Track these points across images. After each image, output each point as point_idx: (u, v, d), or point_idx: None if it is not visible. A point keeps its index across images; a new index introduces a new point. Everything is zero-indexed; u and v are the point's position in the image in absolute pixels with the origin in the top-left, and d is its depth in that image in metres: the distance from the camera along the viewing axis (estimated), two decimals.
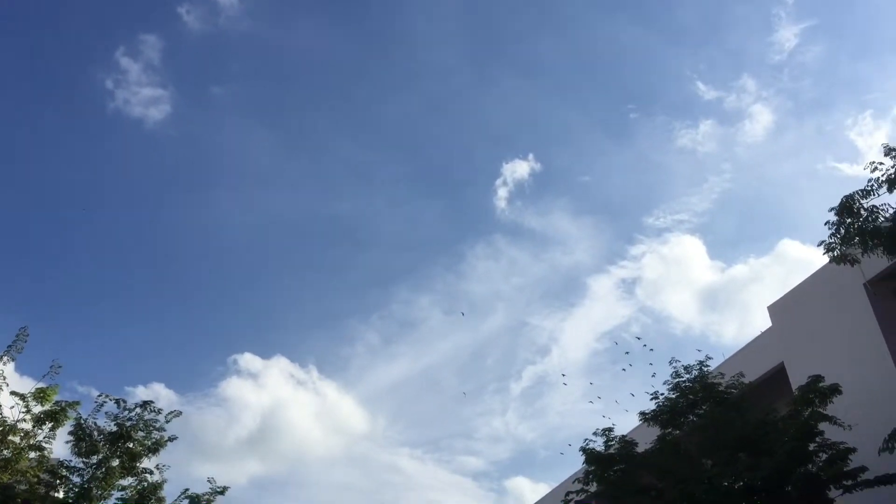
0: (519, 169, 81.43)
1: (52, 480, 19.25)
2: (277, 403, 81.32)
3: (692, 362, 20.94)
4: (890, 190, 14.63)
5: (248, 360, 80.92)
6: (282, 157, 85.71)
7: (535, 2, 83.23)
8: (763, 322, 27.02)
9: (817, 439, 18.10)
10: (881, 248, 15.27)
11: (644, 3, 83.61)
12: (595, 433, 21.18)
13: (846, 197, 14.90)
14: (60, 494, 19.30)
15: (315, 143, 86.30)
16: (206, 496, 20.19)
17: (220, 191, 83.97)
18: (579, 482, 21.68)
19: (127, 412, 19.69)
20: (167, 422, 20.09)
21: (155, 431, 19.85)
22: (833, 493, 18.19)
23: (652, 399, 20.92)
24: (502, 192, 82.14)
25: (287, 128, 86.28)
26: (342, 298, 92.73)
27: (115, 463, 19.13)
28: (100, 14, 78.78)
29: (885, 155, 14.64)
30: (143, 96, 79.39)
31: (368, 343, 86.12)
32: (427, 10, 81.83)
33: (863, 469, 17.54)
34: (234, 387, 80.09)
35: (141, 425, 19.69)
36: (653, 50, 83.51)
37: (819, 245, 16.88)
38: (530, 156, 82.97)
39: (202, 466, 79.94)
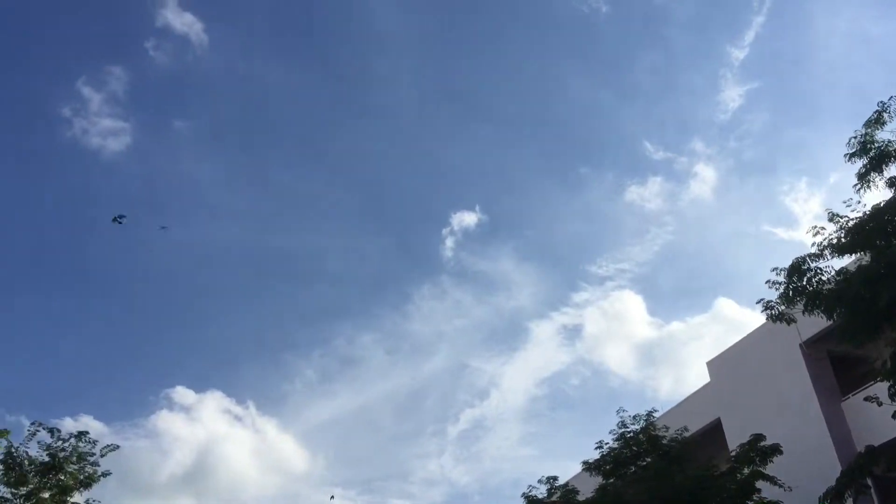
0: (466, 219, 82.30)
1: None
2: (213, 439, 79.11)
3: (640, 412, 21.30)
4: (832, 255, 15.25)
5: (181, 393, 78.70)
6: (232, 189, 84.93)
7: (493, 51, 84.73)
8: (699, 379, 27.67)
9: (754, 497, 18.49)
10: (820, 310, 15.82)
11: (598, 62, 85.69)
12: (539, 480, 21.32)
13: (798, 259, 15.45)
14: None
15: (265, 176, 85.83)
16: None
17: (171, 219, 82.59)
18: None
19: (61, 442, 18.94)
20: (102, 455, 19.32)
21: (88, 465, 19.08)
22: None
23: (596, 448, 21.14)
24: (449, 242, 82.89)
25: (239, 160, 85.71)
26: (283, 333, 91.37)
27: (46, 495, 18.33)
28: (66, 44, 77.75)
29: (829, 221, 15.29)
30: (102, 127, 78.39)
31: (307, 379, 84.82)
32: (385, 50, 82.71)
33: None
34: (165, 420, 77.68)
35: (74, 457, 18.93)
36: (605, 108, 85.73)
37: (758, 303, 17.39)
38: (477, 207, 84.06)
39: (133, 503, 76.98)
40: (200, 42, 77.49)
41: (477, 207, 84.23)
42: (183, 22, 77.46)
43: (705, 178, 79.59)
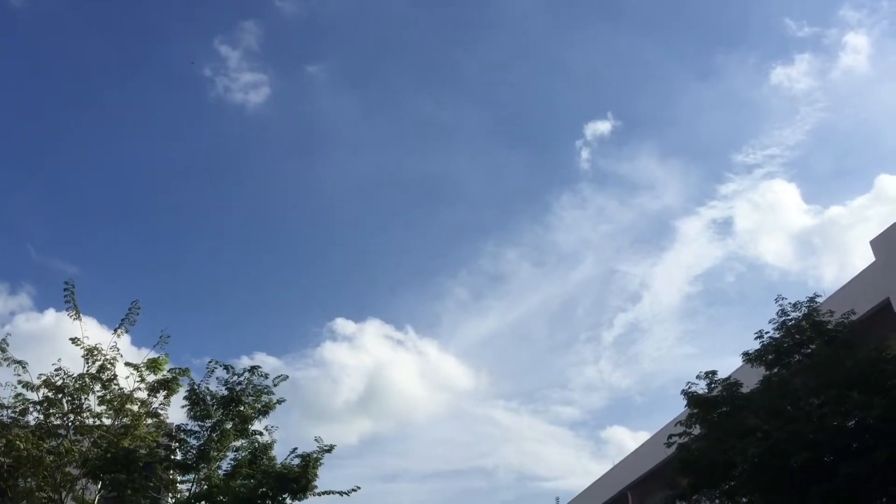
0: (600, 127, 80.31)
1: (170, 444, 20.20)
2: (380, 364, 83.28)
3: (802, 299, 20.44)
4: None
5: (341, 324, 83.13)
6: (367, 122, 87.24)
7: None
8: (866, 263, 26.11)
9: None
10: None
11: None
12: (698, 376, 21.00)
13: None
14: (179, 457, 20.21)
15: (397, 105, 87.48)
16: (315, 454, 20.81)
17: (314, 161, 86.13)
18: (681, 425, 21.55)
19: (236, 377, 20.38)
20: (275, 385, 20.70)
21: (263, 395, 20.47)
22: None
23: (756, 338, 20.50)
24: (585, 153, 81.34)
25: (371, 93, 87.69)
26: (430, 256, 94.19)
27: (229, 426, 19.89)
28: (197, 6, 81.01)
29: None
30: (243, 82, 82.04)
31: (459, 299, 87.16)
32: None
33: None
34: (330, 351, 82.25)
35: (250, 389, 20.34)
36: None
37: None
38: (609, 113, 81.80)
39: (315, 428, 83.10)
40: None
41: (609, 114, 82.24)
42: None
43: (857, 46, 73.73)
